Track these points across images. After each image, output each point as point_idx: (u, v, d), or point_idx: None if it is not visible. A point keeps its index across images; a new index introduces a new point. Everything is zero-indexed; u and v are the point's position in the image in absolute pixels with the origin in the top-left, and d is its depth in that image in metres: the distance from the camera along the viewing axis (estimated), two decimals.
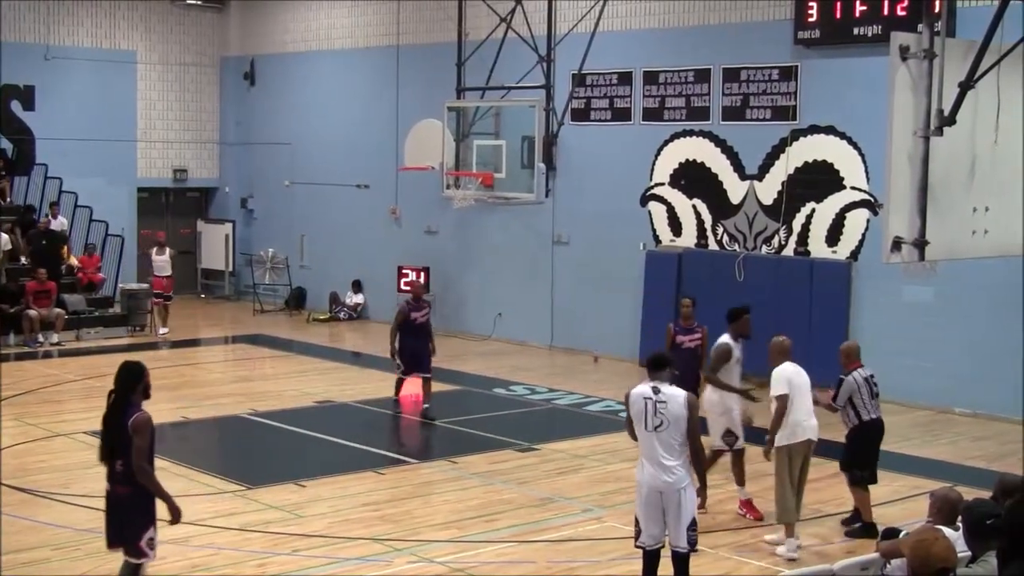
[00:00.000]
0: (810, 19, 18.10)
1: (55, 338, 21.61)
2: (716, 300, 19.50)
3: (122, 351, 21.56)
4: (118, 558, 10.41)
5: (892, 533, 8.58)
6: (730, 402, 12.17)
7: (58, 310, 21.85)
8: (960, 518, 6.97)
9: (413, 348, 16.29)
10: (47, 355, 20.97)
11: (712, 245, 19.87)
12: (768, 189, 19.08)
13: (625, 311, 20.65)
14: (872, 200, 17.69)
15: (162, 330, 22.98)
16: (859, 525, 11.45)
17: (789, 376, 10.94)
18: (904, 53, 8.55)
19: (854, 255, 18.13)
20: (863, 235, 17.97)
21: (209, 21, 28.48)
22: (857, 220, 18.05)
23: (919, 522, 9.09)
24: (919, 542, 5.68)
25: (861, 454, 11.59)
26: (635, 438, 9.16)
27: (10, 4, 25.30)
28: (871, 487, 11.58)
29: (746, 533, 11.45)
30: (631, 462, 14.14)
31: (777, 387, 10.82)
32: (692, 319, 13.41)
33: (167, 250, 23.42)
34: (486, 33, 21.76)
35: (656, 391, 8.98)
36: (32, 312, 21.40)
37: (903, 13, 16.91)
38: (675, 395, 8.97)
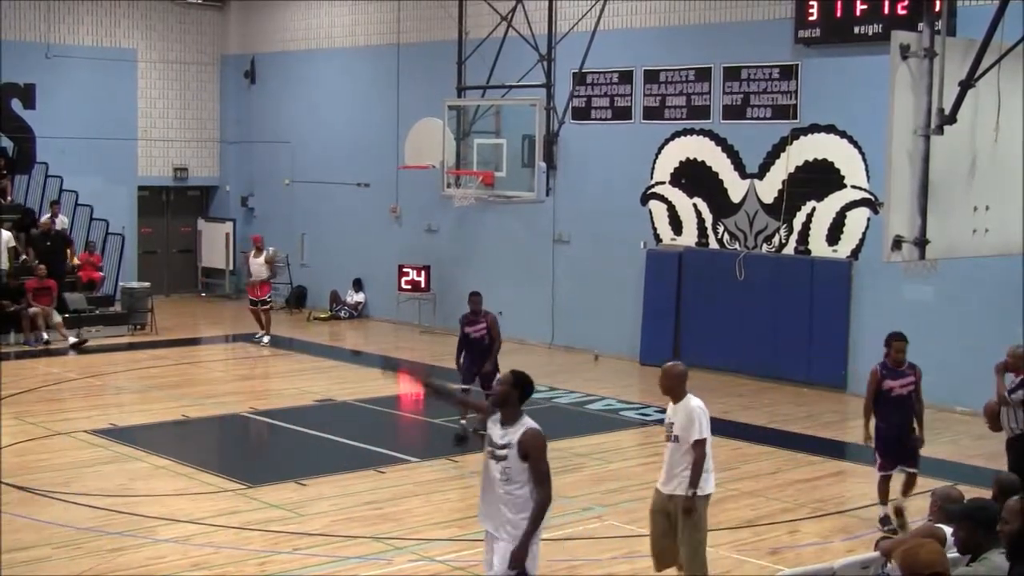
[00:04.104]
0: (811, 18, 18.09)
1: (72, 339, 21.38)
2: (716, 299, 19.67)
3: (123, 350, 21.65)
4: (118, 557, 10.45)
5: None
6: None
7: (57, 318, 21.60)
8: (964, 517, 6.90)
9: (468, 365, 14.95)
10: (48, 353, 20.89)
11: (713, 244, 19.86)
12: (769, 188, 19.08)
13: (625, 310, 20.65)
14: (873, 199, 17.69)
15: (264, 337, 21.93)
16: None
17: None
18: (905, 52, 8.55)
19: (855, 254, 18.12)
20: (864, 234, 17.96)
21: (210, 19, 28.47)
22: (858, 219, 18.04)
23: (919, 521, 9.10)
24: (908, 549, 5.63)
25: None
26: None
27: (11, 3, 25.29)
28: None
29: (747, 532, 11.45)
30: (631, 460, 14.25)
31: (704, 428, 9.01)
32: (904, 362, 11.52)
33: (264, 253, 22.29)
34: (487, 32, 21.74)
35: None
36: (33, 310, 21.34)
37: (903, 12, 16.88)
38: None
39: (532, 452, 7.49)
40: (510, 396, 7.66)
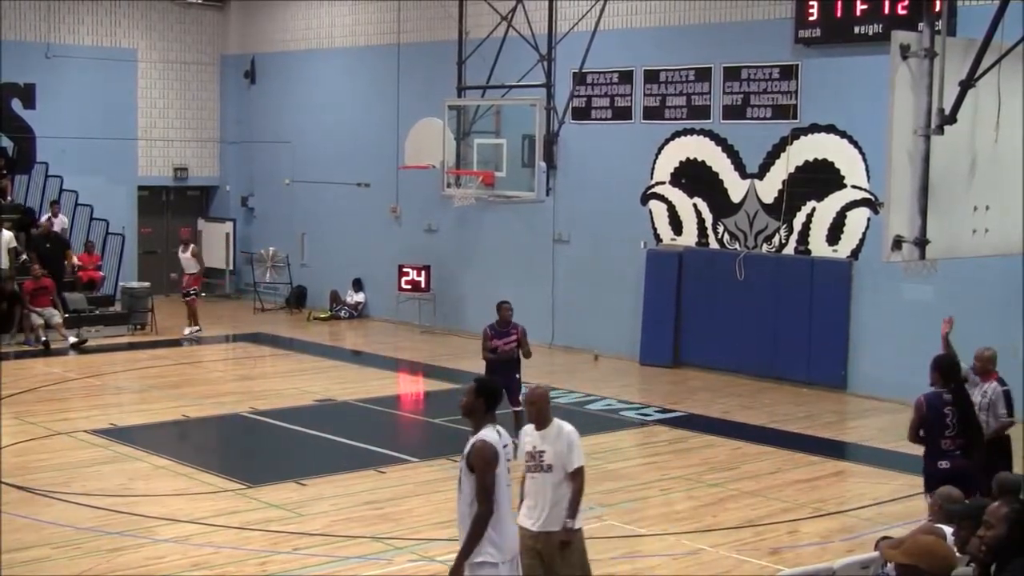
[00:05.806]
0: (811, 18, 18.09)
1: (72, 339, 21.37)
2: (716, 299, 19.67)
3: (123, 350, 21.66)
4: (118, 557, 10.45)
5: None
6: None
7: (57, 318, 21.57)
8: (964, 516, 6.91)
9: (499, 380, 12.82)
10: (47, 352, 20.84)
11: (713, 244, 19.86)
12: (769, 188, 19.07)
13: (625, 310, 20.65)
14: (873, 199, 17.69)
15: (186, 330, 22.81)
16: None
17: None
18: (905, 52, 8.56)
19: (854, 254, 18.12)
20: (864, 234, 17.96)
21: (210, 19, 28.47)
22: (858, 219, 18.04)
23: (919, 521, 9.10)
24: (921, 541, 5.63)
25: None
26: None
27: (11, 3, 25.28)
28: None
29: (747, 531, 11.45)
30: (631, 461, 14.24)
31: (582, 454, 8.51)
32: None
33: (190, 247, 23.61)
34: (487, 31, 21.74)
35: None
36: (36, 320, 21.23)
37: (904, 12, 16.89)
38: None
39: (476, 464, 7.11)
40: (475, 405, 7.30)
